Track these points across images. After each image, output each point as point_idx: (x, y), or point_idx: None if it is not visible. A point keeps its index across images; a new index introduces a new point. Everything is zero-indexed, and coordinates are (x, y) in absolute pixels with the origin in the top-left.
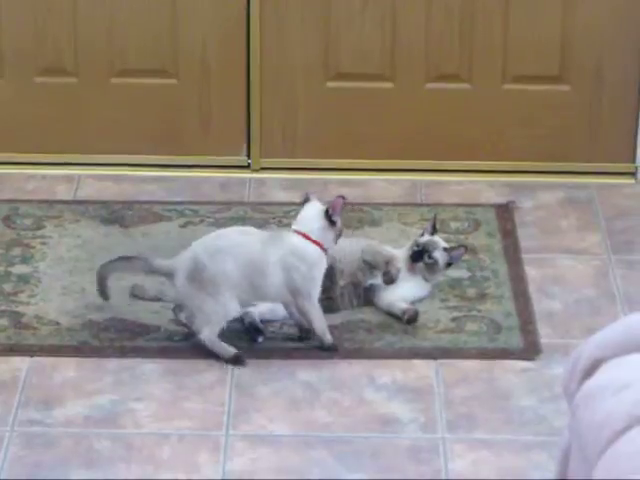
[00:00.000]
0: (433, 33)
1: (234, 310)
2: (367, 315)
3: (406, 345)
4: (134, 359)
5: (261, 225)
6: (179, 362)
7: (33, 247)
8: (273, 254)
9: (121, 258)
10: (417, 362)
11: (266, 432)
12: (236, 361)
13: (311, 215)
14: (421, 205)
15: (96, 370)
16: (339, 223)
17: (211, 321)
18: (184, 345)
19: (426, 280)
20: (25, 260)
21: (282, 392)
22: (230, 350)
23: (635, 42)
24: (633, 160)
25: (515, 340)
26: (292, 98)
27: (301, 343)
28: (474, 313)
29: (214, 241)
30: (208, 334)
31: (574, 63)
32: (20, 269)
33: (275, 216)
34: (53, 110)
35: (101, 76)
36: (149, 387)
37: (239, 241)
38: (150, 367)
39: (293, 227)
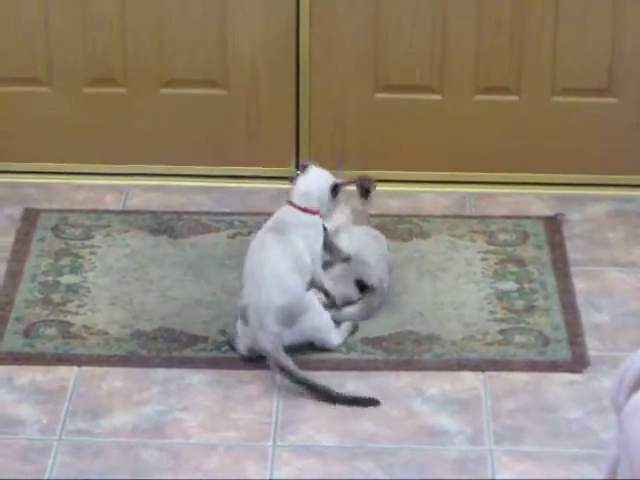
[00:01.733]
0: (482, 45)
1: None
2: (415, 327)
3: (454, 357)
4: (182, 369)
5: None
6: (226, 373)
7: (82, 257)
8: (297, 241)
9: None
10: (465, 374)
11: (313, 443)
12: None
13: (314, 186)
14: (470, 217)
15: (144, 380)
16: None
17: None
18: (231, 356)
19: None
20: (74, 270)
21: (329, 403)
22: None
23: None
24: None
25: (563, 352)
26: (341, 109)
27: (350, 354)
28: (522, 325)
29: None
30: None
31: (622, 76)
32: (69, 279)
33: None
34: (102, 120)
35: (150, 86)
36: (196, 397)
37: (270, 262)
38: (198, 377)
39: (294, 200)
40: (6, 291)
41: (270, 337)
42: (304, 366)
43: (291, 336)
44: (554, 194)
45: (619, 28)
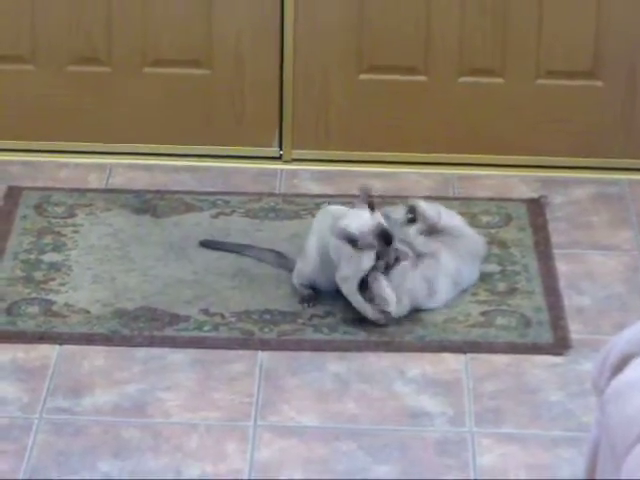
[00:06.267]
0: (467, 27)
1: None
2: None
3: (436, 339)
4: (163, 348)
5: (292, 217)
6: (208, 352)
7: (64, 235)
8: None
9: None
10: (447, 356)
11: (294, 423)
12: (308, 299)
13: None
14: (454, 199)
15: (125, 359)
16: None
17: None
18: (213, 335)
19: None
20: (56, 248)
21: (311, 384)
22: (305, 291)
23: None
24: None
25: (545, 335)
26: (325, 90)
27: (331, 334)
28: (504, 307)
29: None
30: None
31: (608, 59)
32: (51, 257)
33: (306, 208)
34: (86, 99)
35: (134, 66)
36: (178, 377)
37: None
38: (179, 357)
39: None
40: None
41: None
42: (282, 346)
43: None
44: (538, 177)
45: (604, 10)
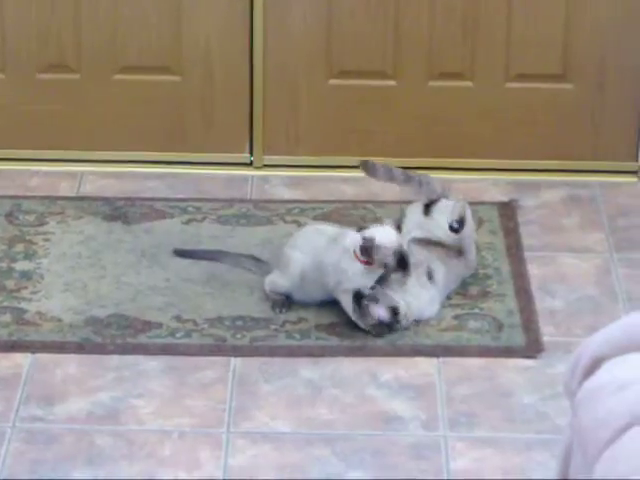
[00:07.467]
0: (436, 31)
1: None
2: None
3: (408, 343)
4: (136, 356)
5: (263, 222)
6: (181, 359)
7: (35, 243)
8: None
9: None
10: (419, 360)
11: (267, 429)
12: (281, 305)
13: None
14: None
15: (98, 367)
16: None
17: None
18: (186, 342)
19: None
20: (27, 256)
21: (284, 389)
22: (277, 297)
23: (639, 40)
24: (636, 159)
25: (517, 338)
26: (295, 96)
27: (303, 340)
28: (476, 311)
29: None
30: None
31: (577, 61)
32: (22, 265)
33: (278, 213)
34: (56, 106)
35: (104, 73)
36: (151, 384)
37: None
38: (152, 364)
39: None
40: None
41: None
42: (255, 352)
43: None
44: (508, 180)
45: (573, 13)
